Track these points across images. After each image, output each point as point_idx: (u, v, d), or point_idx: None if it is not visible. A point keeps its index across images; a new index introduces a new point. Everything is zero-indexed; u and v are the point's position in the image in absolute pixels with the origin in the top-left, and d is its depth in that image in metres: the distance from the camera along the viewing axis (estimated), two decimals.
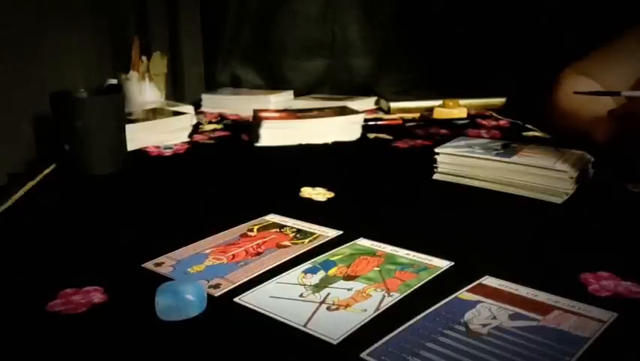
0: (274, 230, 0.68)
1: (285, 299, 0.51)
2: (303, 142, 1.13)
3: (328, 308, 0.49)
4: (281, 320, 0.48)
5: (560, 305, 0.48)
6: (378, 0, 1.72)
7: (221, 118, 1.44)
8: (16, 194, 0.83)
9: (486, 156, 0.83)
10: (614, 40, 1.09)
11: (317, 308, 0.49)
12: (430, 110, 1.43)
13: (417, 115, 1.43)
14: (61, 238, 0.68)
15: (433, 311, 0.48)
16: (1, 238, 0.69)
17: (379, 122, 1.35)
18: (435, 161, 0.88)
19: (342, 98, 1.52)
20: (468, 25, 1.61)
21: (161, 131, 1.15)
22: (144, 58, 1.35)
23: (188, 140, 1.18)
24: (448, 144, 0.90)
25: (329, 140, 1.15)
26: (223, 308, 0.50)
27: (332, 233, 0.66)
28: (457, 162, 0.86)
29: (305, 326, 0.46)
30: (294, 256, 0.60)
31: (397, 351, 0.42)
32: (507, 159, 0.81)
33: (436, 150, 0.88)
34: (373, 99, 1.57)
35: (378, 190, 0.86)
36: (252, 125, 1.19)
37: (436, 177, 0.88)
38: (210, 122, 1.38)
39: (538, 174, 0.78)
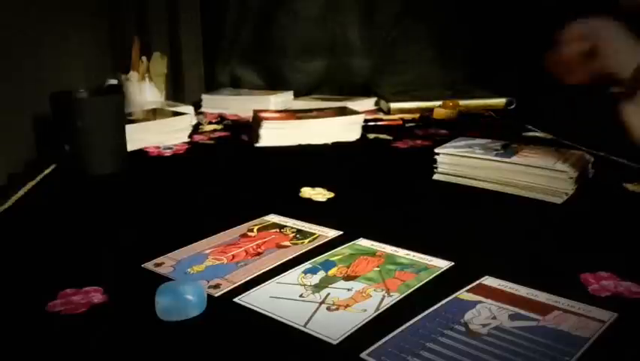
0: (274, 230, 0.68)
1: (285, 299, 0.51)
2: (303, 142, 1.13)
3: (328, 308, 0.49)
4: (281, 320, 0.48)
5: (559, 305, 0.48)
6: (378, 0, 1.72)
7: (221, 118, 1.44)
8: (16, 194, 0.83)
9: (486, 156, 0.83)
10: None
11: (317, 308, 0.49)
12: (430, 110, 1.43)
13: (417, 115, 1.43)
14: (62, 238, 0.68)
15: (433, 311, 0.48)
16: (1, 238, 0.69)
17: (379, 123, 1.35)
18: (435, 161, 0.88)
19: (342, 99, 1.52)
20: (468, 25, 1.61)
21: (161, 132, 1.15)
22: (144, 58, 1.35)
23: (188, 140, 1.18)
24: (448, 144, 0.90)
25: (329, 140, 1.15)
26: (223, 308, 0.50)
27: (332, 233, 0.66)
28: (457, 162, 0.86)
29: (305, 326, 0.46)
30: (294, 256, 0.60)
31: (397, 351, 0.42)
32: (507, 159, 0.81)
33: (436, 150, 0.88)
34: (373, 100, 1.57)
35: (378, 190, 0.86)
36: (251, 126, 1.19)
37: (436, 177, 0.88)
38: (210, 123, 1.38)
39: (538, 174, 0.78)
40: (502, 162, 0.81)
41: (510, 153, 0.84)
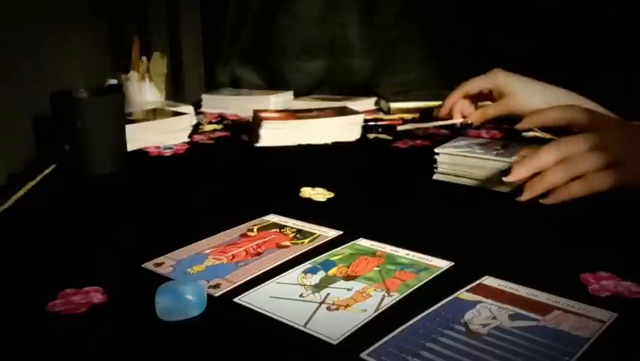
0: (274, 230, 0.68)
1: (285, 299, 0.51)
2: (303, 142, 1.13)
3: (328, 308, 0.49)
4: (281, 320, 0.47)
5: (560, 305, 0.48)
6: (378, 0, 1.72)
7: (222, 118, 1.44)
8: (16, 194, 0.83)
9: (486, 156, 0.83)
10: None
11: (317, 308, 0.49)
12: (430, 110, 1.43)
13: (417, 115, 1.43)
14: (62, 238, 0.68)
15: (433, 311, 0.48)
16: (1, 238, 0.69)
17: (380, 123, 1.35)
18: (435, 161, 0.88)
19: (342, 99, 1.52)
20: (468, 25, 1.61)
21: (161, 132, 1.15)
22: (144, 58, 1.35)
23: (188, 140, 1.18)
24: (448, 144, 0.90)
25: (329, 140, 1.15)
26: (223, 308, 0.50)
27: (332, 233, 0.66)
28: (457, 162, 0.86)
29: (305, 326, 0.46)
30: (294, 256, 0.60)
31: (397, 351, 0.42)
32: (507, 159, 0.81)
33: (436, 150, 0.88)
34: (373, 100, 1.57)
35: (378, 190, 0.86)
36: (251, 126, 1.20)
37: (436, 177, 0.88)
38: (210, 123, 1.38)
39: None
40: (502, 161, 0.81)
41: (510, 153, 0.84)
